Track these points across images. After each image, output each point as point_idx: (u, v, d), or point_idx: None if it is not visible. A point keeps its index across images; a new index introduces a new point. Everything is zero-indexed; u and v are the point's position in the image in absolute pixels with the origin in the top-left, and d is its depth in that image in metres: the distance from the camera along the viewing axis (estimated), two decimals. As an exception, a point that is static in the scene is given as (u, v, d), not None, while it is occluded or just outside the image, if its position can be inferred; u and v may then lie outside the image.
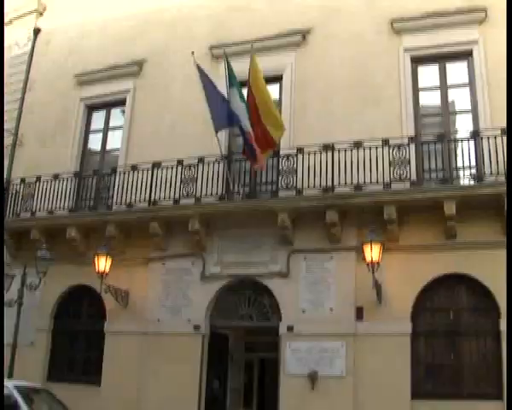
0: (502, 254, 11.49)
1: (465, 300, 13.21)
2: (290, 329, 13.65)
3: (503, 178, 12.23)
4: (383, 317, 13.07)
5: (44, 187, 16.53)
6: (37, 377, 15.45)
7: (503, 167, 12.40)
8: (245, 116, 13.64)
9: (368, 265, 12.48)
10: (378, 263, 12.47)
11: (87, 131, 18.08)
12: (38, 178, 16.69)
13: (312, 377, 13.15)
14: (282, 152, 14.33)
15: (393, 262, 13.15)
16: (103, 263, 14.57)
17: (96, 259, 14.63)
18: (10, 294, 15.34)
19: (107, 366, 15.27)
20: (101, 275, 14.51)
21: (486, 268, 12.55)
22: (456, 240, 13.01)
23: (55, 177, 16.46)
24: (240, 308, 14.66)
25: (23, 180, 17.01)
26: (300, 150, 13.97)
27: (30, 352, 16.01)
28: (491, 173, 12.72)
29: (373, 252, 12.47)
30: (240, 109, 13.69)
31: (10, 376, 14.22)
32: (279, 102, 15.62)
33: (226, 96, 14.09)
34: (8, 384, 12.72)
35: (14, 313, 15.03)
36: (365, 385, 12.82)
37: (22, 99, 19.10)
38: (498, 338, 12.42)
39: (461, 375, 12.70)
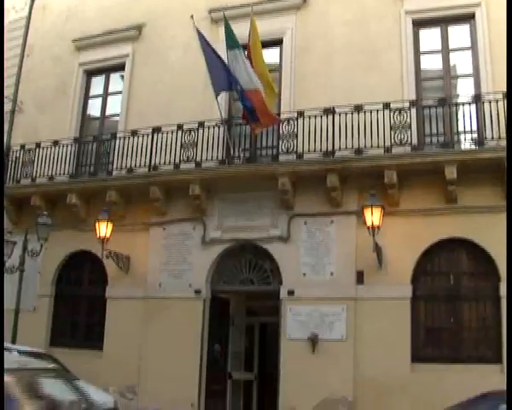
0: (502, 218, 11.27)
1: (465, 264, 13.26)
2: (291, 293, 13.73)
3: (504, 143, 12.12)
4: (383, 281, 13.11)
5: (44, 153, 16.48)
6: (40, 342, 15.50)
7: (504, 131, 12.34)
8: (251, 75, 13.43)
9: (368, 229, 12.47)
10: (378, 227, 12.45)
11: (86, 97, 17.95)
12: (38, 145, 16.63)
13: (313, 341, 13.23)
14: (282, 116, 14.24)
15: (394, 226, 13.14)
16: (104, 228, 14.56)
17: (96, 224, 14.62)
18: (12, 260, 15.40)
19: (109, 331, 15.38)
20: (102, 240, 14.51)
21: (487, 232, 12.56)
22: (457, 204, 12.99)
23: (55, 143, 16.40)
24: (240, 273, 14.73)
25: (23, 147, 16.96)
26: (301, 114, 13.88)
27: (32, 318, 16.12)
28: (493, 138, 12.67)
29: (373, 216, 12.44)
30: (242, 71, 13.51)
31: (13, 341, 14.31)
32: (279, 66, 15.51)
33: (226, 59, 13.96)
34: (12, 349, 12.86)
35: (16, 280, 15.12)
36: (366, 349, 12.90)
37: (20, 65, 18.93)
38: (498, 302, 12.48)
39: (460, 339, 12.79)
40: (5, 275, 15.17)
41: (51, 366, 7.82)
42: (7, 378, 6.18)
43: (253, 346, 16.56)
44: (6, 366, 6.48)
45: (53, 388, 7.26)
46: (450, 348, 12.80)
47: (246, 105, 13.76)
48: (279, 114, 14.29)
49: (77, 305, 16.50)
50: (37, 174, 16.50)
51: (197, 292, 14.57)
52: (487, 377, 11.59)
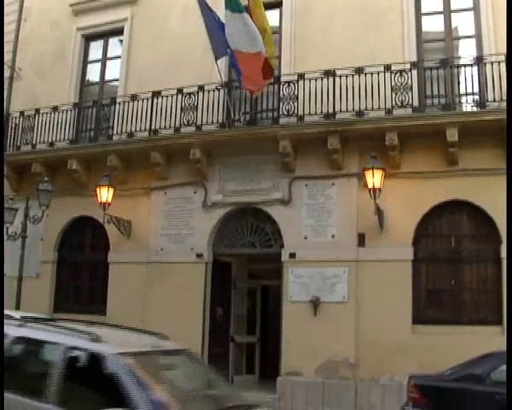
0: (503, 180, 11.28)
1: (466, 226, 13.32)
2: (292, 256, 13.79)
3: (505, 105, 11.99)
4: (385, 243, 13.16)
5: (44, 119, 16.42)
6: (44, 308, 15.60)
7: (505, 93, 12.21)
8: (254, 37, 13.21)
9: (369, 191, 12.46)
10: (380, 189, 12.45)
11: (85, 62, 17.79)
12: (37, 111, 16.55)
13: (315, 303, 13.33)
14: (282, 78, 14.15)
15: (395, 189, 13.14)
16: (105, 194, 14.56)
17: (97, 190, 14.62)
18: (14, 227, 15.41)
19: (112, 296, 15.49)
20: (104, 206, 14.53)
21: (488, 195, 12.56)
22: (458, 166, 12.98)
23: (55, 109, 16.33)
24: (242, 236, 14.78)
25: (22, 113, 16.88)
26: (301, 76, 13.78)
27: (35, 284, 16.22)
28: (494, 99, 12.59)
29: (374, 178, 12.43)
30: (242, 33, 13.30)
31: (17, 308, 14.41)
32: (279, 28, 15.34)
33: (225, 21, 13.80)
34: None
35: (19, 247, 15.17)
36: (367, 311, 13.00)
37: (18, 30, 18.72)
38: (499, 264, 12.55)
39: (461, 300, 12.89)
40: (8, 242, 15.18)
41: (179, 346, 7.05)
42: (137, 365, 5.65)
43: (255, 309, 16.65)
44: (135, 349, 6.14)
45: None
46: (451, 310, 12.90)
47: (234, 66, 13.68)
48: (279, 77, 14.20)
49: (79, 270, 16.60)
50: (37, 141, 16.47)
51: (199, 256, 14.63)
52: (488, 339, 11.72)
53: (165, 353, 6.69)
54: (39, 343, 6.22)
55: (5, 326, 6.32)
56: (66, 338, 5.97)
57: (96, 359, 5.62)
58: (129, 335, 7.22)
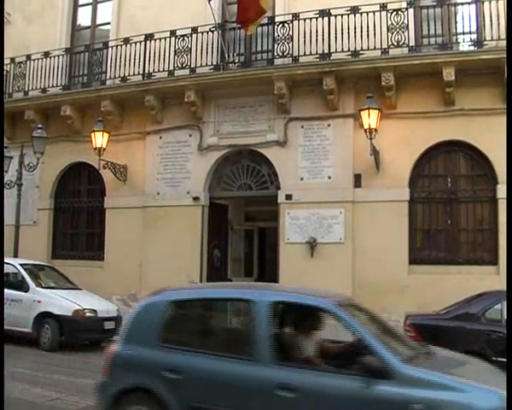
0: (500, 120, 11.30)
1: (463, 166, 13.31)
2: (289, 197, 13.81)
3: (503, 43, 11.82)
4: (381, 184, 13.20)
5: (35, 65, 16.22)
6: (41, 255, 15.77)
7: (504, 32, 12.07)
8: None
9: (365, 132, 12.40)
10: (376, 130, 12.38)
11: (75, 6, 17.39)
12: (28, 57, 16.33)
13: (311, 245, 13.42)
14: (277, 19, 13.96)
15: (391, 129, 13.11)
16: (100, 139, 14.51)
17: (92, 135, 14.55)
18: (9, 176, 15.35)
19: (110, 242, 15.60)
20: (99, 151, 14.49)
21: (484, 135, 12.55)
22: (455, 107, 12.91)
23: (46, 54, 16.10)
24: (238, 178, 14.79)
25: (13, 60, 16.65)
26: (296, 16, 13.58)
27: (33, 231, 16.33)
28: (492, 38, 12.41)
29: (370, 119, 12.36)
30: None
31: (15, 255, 14.52)
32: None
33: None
34: (14, 263, 13.03)
35: (15, 195, 15.17)
36: (364, 251, 13.12)
37: (5, -27, 18.28)
38: (495, 205, 12.61)
39: (457, 241, 13.00)
40: (4, 190, 15.14)
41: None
42: None
43: (252, 251, 16.77)
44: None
45: None
46: (448, 250, 13.01)
47: None
48: (274, 17, 13.99)
49: (76, 217, 16.65)
50: (30, 87, 16.29)
51: (195, 199, 14.65)
52: (484, 279, 11.89)
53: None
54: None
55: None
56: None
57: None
58: None
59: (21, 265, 13.05)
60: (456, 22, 13.36)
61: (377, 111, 12.42)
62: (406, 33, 12.89)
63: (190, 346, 5.82)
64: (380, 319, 6.45)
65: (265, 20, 13.72)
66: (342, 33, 13.18)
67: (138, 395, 5.73)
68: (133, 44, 14.96)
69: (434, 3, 13.16)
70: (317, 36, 13.38)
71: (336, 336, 6.40)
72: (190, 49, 14.40)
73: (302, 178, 13.77)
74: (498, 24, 12.29)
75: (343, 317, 5.43)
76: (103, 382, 6.04)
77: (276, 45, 13.83)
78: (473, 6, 12.87)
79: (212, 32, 14.33)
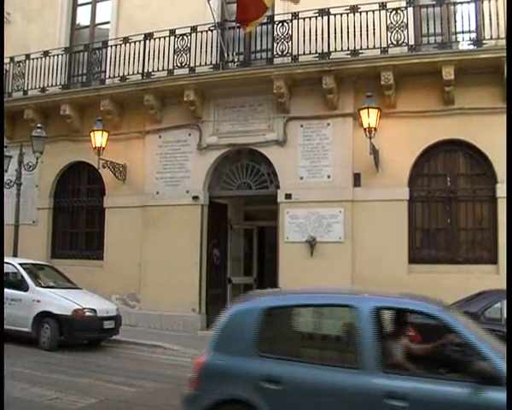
0: (500, 119, 11.28)
1: (462, 165, 13.30)
2: (288, 196, 13.81)
3: (503, 42, 11.82)
4: (380, 183, 13.19)
5: (35, 65, 16.22)
6: (41, 255, 15.75)
7: (503, 31, 12.05)
8: None
9: (365, 131, 12.42)
10: (375, 129, 12.40)
11: (75, 5, 17.39)
12: (28, 56, 16.32)
13: (311, 244, 13.43)
14: (276, 18, 13.95)
15: (391, 128, 13.10)
16: (99, 138, 14.52)
17: (91, 134, 14.55)
18: (8, 175, 15.34)
19: (109, 241, 15.59)
20: (98, 150, 14.49)
21: (484, 134, 12.54)
22: (454, 106, 12.90)
23: (45, 54, 16.10)
24: (238, 177, 14.79)
25: (12, 59, 16.64)
26: (295, 15, 13.57)
27: (32, 231, 16.33)
28: (491, 37, 12.40)
29: (370, 118, 12.38)
30: None
31: (15, 255, 14.51)
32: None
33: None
34: (14, 262, 13.02)
35: (14, 194, 15.17)
36: (363, 250, 13.12)
37: (4, -27, 18.27)
38: (494, 204, 12.59)
39: (457, 240, 12.99)
40: (3, 190, 15.12)
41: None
42: None
43: (251, 250, 16.77)
44: None
45: None
46: (447, 249, 13.01)
47: None
48: (273, 16, 13.98)
49: (76, 216, 16.65)
50: (29, 87, 16.29)
51: (195, 198, 14.65)
52: (483, 278, 11.89)
53: None
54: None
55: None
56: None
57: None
58: None
59: (21, 264, 13.03)
60: (455, 21, 13.36)
61: (377, 110, 12.43)
62: (406, 32, 12.90)
63: (289, 354, 5.63)
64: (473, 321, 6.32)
65: (265, 19, 13.63)
66: (342, 32, 13.17)
67: (234, 407, 5.53)
68: (132, 44, 14.96)
69: (434, 2, 13.17)
70: (316, 35, 13.38)
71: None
72: (190, 48, 14.40)
73: (301, 178, 13.77)
74: (498, 23, 12.28)
75: (450, 322, 5.28)
76: (193, 394, 5.78)
77: (275, 44, 13.84)
78: (472, 5, 12.87)
79: (212, 31, 14.32)
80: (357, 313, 5.37)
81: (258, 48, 14.51)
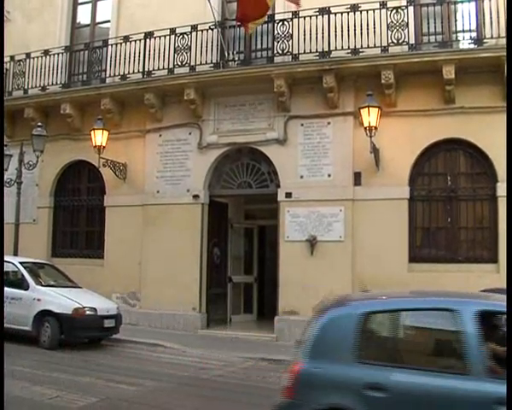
0: (500, 118, 11.32)
1: (462, 164, 13.28)
2: (289, 195, 13.82)
3: (503, 41, 11.81)
4: (381, 182, 13.19)
5: (35, 63, 16.23)
6: (42, 253, 15.75)
7: (504, 30, 12.05)
8: None
9: (365, 130, 12.41)
10: (376, 128, 12.39)
11: (75, 4, 17.37)
12: (28, 55, 16.33)
13: (311, 243, 13.42)
14: (277, 17, 13.94)
15: (391, 127, 13.10)
16: (100, 137, 14.51)
17: (92, 133, 14.54)
18: (9, 174, 15.35)
19: (109, 240, 15.59)
20: (99, 149, 14.49)
21: (485, 133, 12.53)
22: (455, 105, 12.89)
23: (46, 52, 16.10)
24: (238, 176, 14.79)
25: (12, 58, 16.64)
26: (296, 14, 13.56)
27: (33, 230, 16.34)
28: (492, 36, 12.40)
29: (370, 117, 12.37)
30: None
31: (15, 254, 14.52)
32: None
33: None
34: (14, 261, 13.02)
35: (15, 193, 15.17)
36: (364, 249, 13.12)
37: (4, -28, 18.25)
38: (495, 203, 12.59)
39: (457, 239, 12.98)
40: (4, 189, 15.12)
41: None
42: None
43: (252, 249, 16.77)
44: None
45: None
46: (447, 248, 12.99)
47: None
48: (273, 15, 13.96)
49: (76, 215, 16.64)
50: (29, 85, 16.30)
51: (195, 197, 14.65)
52: (484, 277, 11.84)
53: None
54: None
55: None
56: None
57: None
58: None
59: (21, 263, 13.03)
60: (456, 20, 13.34)
61: (377, 109, 12.42)
62: (406, 31, 12.89)
63: (391, 361, 5.45)
64: None
65: (265, 18, 13.64)
66: (342, 31, 13.17)
67: None
68: (133, 42, 14.95)
69: (434, 1, 13.17)
70: (316, 34, 13.38)
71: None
72: (190, 47, 14.40)
73: (302, 177, 13.77)
74: (498, 22, 12.28)
75: None
76: (289, 403, 5.54)
77: (275, 43, 13.83)
78: (473, 4, 12.87)
79: (212, 29, 14.32)
80: (460, 316, 5.22)
81: (259, 46, 14.51)
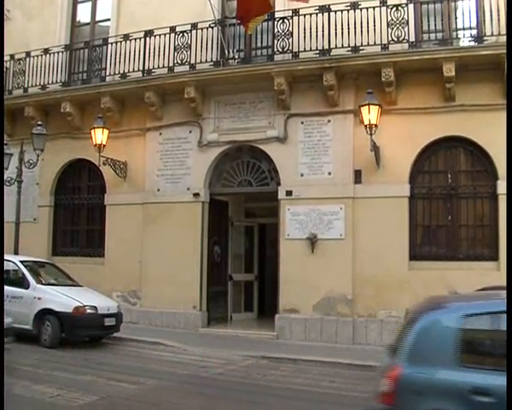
0: (500, 116, 11.27)
1: (463, 162, 13.28)
2: (289, 193, 13.82)
3: (503, 39, 11.79)
4: (381, 180, 13.18)
5: (35, 62, 16.23)
6: (42, 252, 15.77)
7: (504, 28, 12.03)
8: None
9: (365, 127, 12.40)
10: (376, 125, 12.38)
11: (75, 2, 17.37)
12: (28, 54, 16.32)
13: (312, 241, 13.41)
14: (277, 15, 13.92)
15: (391, 125, 13.10)
16: (100, 136, 14.51)
17: (92, 132, 14.54)
18: (9, 173, 15.34)
19: (110, 238, 15.60)
20: (99, 148, 14.48)
21: (485, 131, 12.53)
22: (455, 102, 12.87)
23: (46, 51, 16.09)
24: (238, 174, 14.79)
25: (12, 56, 16.63)
26: (296, 12, 13.54)
27: (33, 228, 16.35)
28: (492, 34, 12.38)
29: (371, 114, 12.36)
30: None
31: (16, 252, 14.51)
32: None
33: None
34: (15, 260, 13.02)
35: (15, 191, 15.16)
36: (364, 247, 13.11)
37: (4, -31, 18.23)
38: (495, 201, 12.59)
39: (458, 237, 12.98)
40: (4, 188, 15.12)
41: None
42: None
43: (252, 247, 16.76)
44: None
45: None
46: (448, 246, 12.99)
47: None
48: (273, 13, 13.93)
49: (76, 214, 16.65)
50: (29, 84, 16.29)
51: (195, 195, 14.66)
52: (484, 275, 11.81)
53: None
54: None
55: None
56: None
57: None
58: None
59: (22, 262, 13.04)
60: (456, 18, 13.33)
61: (377, 107, 12.42)
62: (406, 29, 12.87)
63: (495, 365, 5.22)
64: None
65: (265, 17, 13.60)
66: (342, 29, 13.16)
67: None
68: (133, 41, 14.94)
69: (434, -1, 13.17)
70: (316, 32, 13.37)
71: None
72: (190, 45, 14.40)
73: (302, 175, 13.76)
74: (498, 19, 12.27)
75: None
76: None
77: (276, 41, 13.82)
78: (473, 1, 12.86)
79: (212, 28, 14.30)
80: None
81: (259, 45, 14.51)
